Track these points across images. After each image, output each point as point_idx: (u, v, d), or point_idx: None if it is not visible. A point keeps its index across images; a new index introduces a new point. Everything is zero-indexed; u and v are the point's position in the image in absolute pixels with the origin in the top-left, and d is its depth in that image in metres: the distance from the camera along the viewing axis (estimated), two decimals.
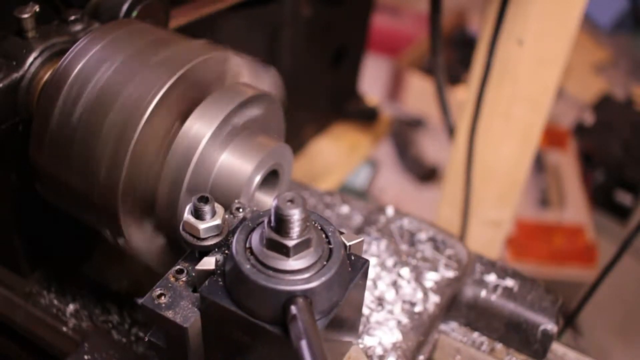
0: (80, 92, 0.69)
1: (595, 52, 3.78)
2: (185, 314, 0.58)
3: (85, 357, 0.79)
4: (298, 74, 1.75)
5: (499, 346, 0.87)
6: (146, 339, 0.63)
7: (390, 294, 0.85)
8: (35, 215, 0.83)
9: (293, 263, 0.55)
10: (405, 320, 0.82)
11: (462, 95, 2.33)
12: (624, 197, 2.82)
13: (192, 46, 0.73)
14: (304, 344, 0.50)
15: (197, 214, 0.60)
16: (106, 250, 0.91)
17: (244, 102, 0.72)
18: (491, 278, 0.89)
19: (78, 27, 0.78)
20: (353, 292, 0.60)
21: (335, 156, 2.01)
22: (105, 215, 0.70)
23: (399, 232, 0.94)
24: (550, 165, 2.95)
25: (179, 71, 0.68)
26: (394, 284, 0.87)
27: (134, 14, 0.82)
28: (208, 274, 0.59)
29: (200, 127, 0.69)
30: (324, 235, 0.59)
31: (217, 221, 0.60)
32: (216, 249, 0.61)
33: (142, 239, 0.73)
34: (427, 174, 3.08)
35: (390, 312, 0.83)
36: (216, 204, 0.61)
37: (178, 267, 0.62)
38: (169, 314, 0.58)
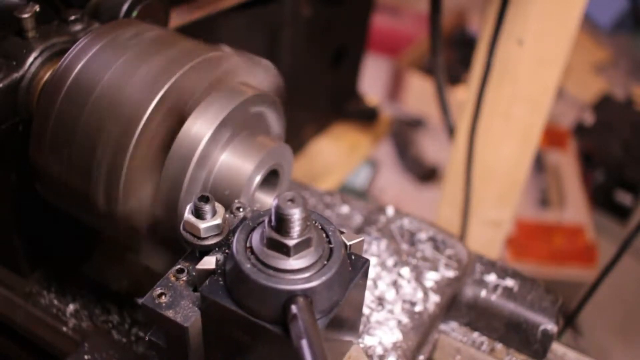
0: (80, 92, 0.69)
1: (595, 52, 3.78)
2: (186, 313, 0.58)
3: (85, 357, 0.79)
4: (298, 74, 1.75)
5: (499, 346, 0.87)
6: (146, 338, 0.63)
7: (390, 294, 0.85)
8: (35, 215, 0.83)
9: (293, 262, 0.55)
10: (405, 319, 0.82)
11: (462, 95, 2.33)
12: (624, 197, 2.82)
13: (192, 46, 0.73)
14: (304, 343, 0.50)
15: (198, 214, 0.60)
16: (106, 250, 0.91)
17: (244, 102, 0.72)
18: (491, 278, 0.89)
19: (78, 27, 0.78)
20: (353, 291, 0.60)
21: (335, 156, 2.01)
22: (106, 218, 0.70)
23: (399, 232, 0.94)
24: (550, 165, 2.95)
25: (180, 71, 0.69)
26: (394, 284, 0.87)
27: (134, 14, 0.82)
28: (208, 273, 0.59)
29: (200, 127, 0.69)
30: (324, 235, 0.59)
31: (218, 221, 0.60)
32: (217, 249, 0.61)
33: (141, 237, 0.73)
34: (427, 174, 3.08)
35: (391, 311, 0.83)
36: (217, 204, 0.61)
37: (178, 266, 0.62)
38: (170, 314, 0.58)
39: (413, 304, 0.84)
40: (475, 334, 0.88)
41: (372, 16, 2.00)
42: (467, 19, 3.79)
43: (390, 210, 0.97)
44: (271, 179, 0.76)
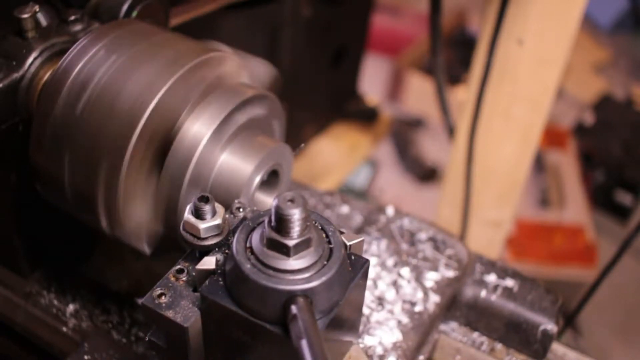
0: (80, 92, 0.69)
1: (595, 52, 3.78)
2: (186, 313, 0.58)
3: (85, 357, 0.79)
4: (298, 74, 1.75)
5: (499, 346, 0.87)
6: (147, 338, 0.63)
7: (390, 294, 0.85)
8: (35, 215, 0.83)
9: (293, 263, 0.55)
10: (405, 319, 0.82)
11: (462, 95, 2.33)
12: (624, 197, 2.82)
13: (192, 46, 0.73)
14: (304, 343, 0.50)
15: (198, 214, 0.60)
16: (106, 250, 0.91)
17: (244, 102, 0.72)
18: (491, 278, 0.89)
19: (78, 27, 0.78)
20: (353, 291, 0.60)
21: (335, 156, 2.01)
22: (106, 216, 0.70)
23: (399, 232, 0.94)
24: (550, 165, 2.95)
25: (179, 71, 0.69)
26: (394, 284, 0.87)
27: (134, 14, 0.82)
28: (208, 273, 0.59)
29: (200, 127, 0.69)
30: (324, 235, 0.59)
31: (218, 221, 0.60)
32: (216, 249, 0.61)
33: (142, 239, 0.73)
34: (427, 174, 3.08)
35: (391, 311, 0.83)
36: (216, 204, 0.61)
37: (178, 266, 0.62)
38: (170, 314, 0.58)
39: (413, 304, 0.84)
40: (475, 334, 0.88)
41: (372, 16, 2.00)
42: (467, 19, 3.79)
43: (390, 210, 0.97)
44: (271, 179, 0.76)
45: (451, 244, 0.92)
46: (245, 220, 0.60)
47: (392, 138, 3.23)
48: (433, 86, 1.55)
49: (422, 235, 0.93)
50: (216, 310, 0.57)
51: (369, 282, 0.86)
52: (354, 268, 0.60)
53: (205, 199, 0.60)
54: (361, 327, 0.81)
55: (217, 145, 0.70)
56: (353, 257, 0.61)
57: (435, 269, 0.88)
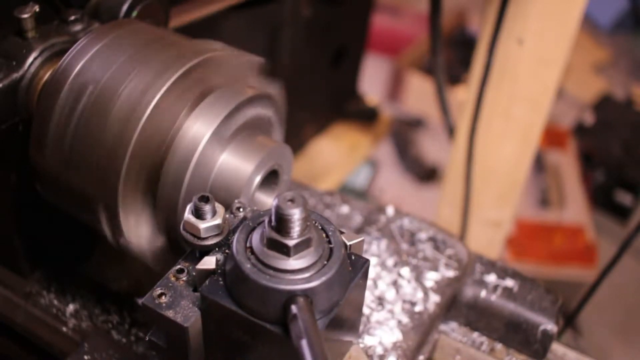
0: (80, 92, 0.69)
1: (595, 52, 3.78)
2: (186, 313, 0.58)
3: (85, 357, 0.79)
4: (298, 74, 1.75)
5: (499, 346, 0.87)
6: (147, 338, 0.63)
7: (390, 294, 0.85)
8: (35, 215, 0.83)
9: (293, 262, 0.55)
10: (405, 319, 0.82)
11: (462, 95, 2.33)
12: (624, 197, 2.82)
13: (191, 46, 0.73)
14: (304, 343, 0.50)
15: (198, 214, 0.60)
16: (106, 250, 0.91)
17: (244, 102, 0.72)
18: (491, 278, 0.89)
19: (78, 27, 0.78)
20: (353, 291, 0.60)
21: (335, 156, 2.01)
22: (105, 216, 0.70)
23: (399, 231, 0.94)
24: (550, 165, 2.95)
25: (179, 71, 0.69)
26: (395, 284, 0.87)
27: (134, 14, 0.82)
28: (208, 273, 0.59)
29: (200, 127, 0.69)
30: (324, 235, 0.59)
31: (218, 221, 0.60)
32: (217, 249, 0.61)
33: (142, 239, 0.73)
34: (427, 174, 3.08)
35: (391, 311, 0.83)
36: (217, 204, 0.61)
37: (178, 266, 0.62)
38: (170, 314, 0.58)
39: (413, 304, 0.84)
40: (475, 334, 0.88)
41: (372, 16, 2.00)
42: (467, 19, 3.79)
43: (390, 210, 0.97)
44: (271, 179, 0.76)
45: (451, 244, 0.92)
46: (245, 220, 0.60)
47: (392, 138, 3.23)
48: (433, 86, 1.55)
49: (422, 235, 0.93)
50: (216, 310, 0.57)
51: (369, 282, 0.86)
52: (354, 268, 0.60)
53: (205, 199, 0.60)
54: (361, 327, 0.81)
55: (217, 145, 0.70)
56: (353, 257, 0.61)
57: (435, 268, 0.88)
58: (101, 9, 0.82)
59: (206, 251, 0.61)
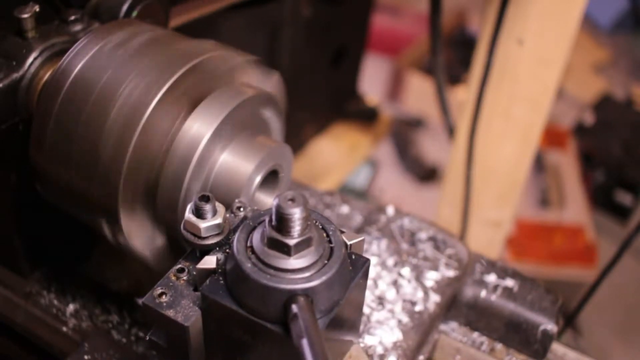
0: (80, 92, 0.69)
1: (595, 52, 3.78)
2: (186, 312, 0.58)
3: (85, 357, 0.79)
4: (298, 74, 1.75)
5: (499, 346, 0.87)
6: (147, 338, 0.62)
7: (390, 293, 0.85)
8: (35, 215, 0.83)
9: (294, 262, 0.55)
10: (405, 319, 0.82)
11: (462, 95, 2.33)
12: (624, 197, 2.82)
13: (191, 46, 0.73)
14: (305, 342, 0.50)
15: (198, 213, 0.60)
16: (106, 250, 0.91)
17: (244, 102, 0.72)
18: (491, 278, 0.89)
19: (78, 27, 0.78)
20: (354, 291, 0.60)
21: (335, 156, 2.01)
22: (106, 216, 0.70)
23: (399, 231, 0.94)
24: (550, 165, 2.95)
25: (179, 71, 0.68)
26: (395, 283, 0.87)
27: (134, 14, 0.82)
28: (209, 272, 0.59)
29: (200, 127, 0.69)
30: (324, 234, 0.59)
31: (218, 220, 0.60)
32: (217, 248, 0.61)
33: (142, 239, 0.73)
34: (427, 174, 3.08)
35: (391, 311, 0.83)
36: (217, 203, 0.61)
37: (179, 266, 0.62)
38: (170, 313, 0.58)
39: (413, 303, 0.84)
40: (475, 334, 0.88)
41: (372, 16, 2.00)
42: (467, 19, 3.79)
43: (390, 210, 0.97)
44: (271, 179, 0.76)
45: (451, 244, 0.92)
46: (246, 220, 0.60)
47: (392, 138, 3.23)
48: (433, 86, 1.55)
49: (423, 235, 0.93)
50: (217, 309, 0.57)
51: (370, 282, 0.86)
52: (355, 267, 0.60)
53: (205, 198, 0.60)
54: (361, 327, 0.81)
55: (217, 145, 0.70)
56: (353, 257, 0.61)
57: (435, 268, 0.88)
58: (101, 9, 0.82)
59: (207, 250, 0.61)
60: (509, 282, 0.88)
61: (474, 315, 0.88)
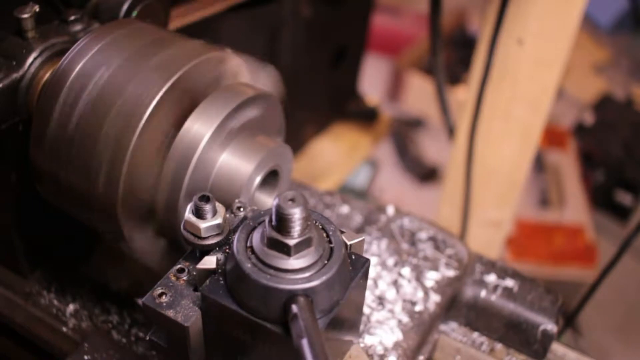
0: (80, 92, 0.69)
1: (595, 52, 3.78)
2: (186, 312, 0.58)
3: (85, 357, 0.79)
4: (298, 74, 1.75)
5: (499, 346, 0.87)
6: (147, 338, 0.63)
7: (391, 293, 0.85)
8: (35, 215, 0.83)
9: (294, 262, 0.55)
10: (405, 319, 0.82)
11: (462, 95, 2.33)
12: (624, 197, 2.82)
13: (191, 46, 0.73)
14: (305, 342, 0.50)
15: (198, 213, 0.60)
16: (106, 250, 0.91)
17: (244, 102, 0.72)
18: (491, 278, 0.89)
19: (78, 27, 0.78)
20: (354, 291, 0.60)
21: (335, 156, 2.01)
22: (106, 215, 0.70)
23: (399, 231, 0.94)
24: (550, 165, 2.95)
25: (179, 71, 0.68)
26: (395, 283, 0.87)
27: (134, 14, 0.82)
28: (209, 273, 0.59)
29: (199, 127, 0.69)
30: (324, 235, 0.59)
31: (218, 220, 0.60)
32: (217, 248, 0.61)
33: (142, 239, 0.73)
34: (427, 174, 3.08)
35: (391, 311, 0.83)
36: (217, 203, 0.61)
37: (179, 266, 0.62)
38: (170, 313, 0.58)
39: (413, 303, 0.84)
40: (475, 334, 0.88)
41: (372, 16, 2.00)
42: (467, 19, 3.79)
43: (390, 210, 0.97)
44: (271, 179, 0.76)
45: (451, 244, 0.92)
46: (245, 220, 0.60)
47: (392, 138, 3.23)
48: (433, 86, 1.55)
49: (423, 235, 0.93)
50: (217, 309, 0.57)
51: (370, 282, 0.86)
52: (355, 267, 0.60)
53: (205, 199, 0.60)
54: (361, 327, 0.81)
55: (217, 145, 0.70)
56: (354, 257, 0.61)
57: (435, 268, 0.88)
58: (101, 9, 0.82)
59: (207, 251, 0.61)
60: (509, 282, 0.88)
61: (474, 315, 0.88)
